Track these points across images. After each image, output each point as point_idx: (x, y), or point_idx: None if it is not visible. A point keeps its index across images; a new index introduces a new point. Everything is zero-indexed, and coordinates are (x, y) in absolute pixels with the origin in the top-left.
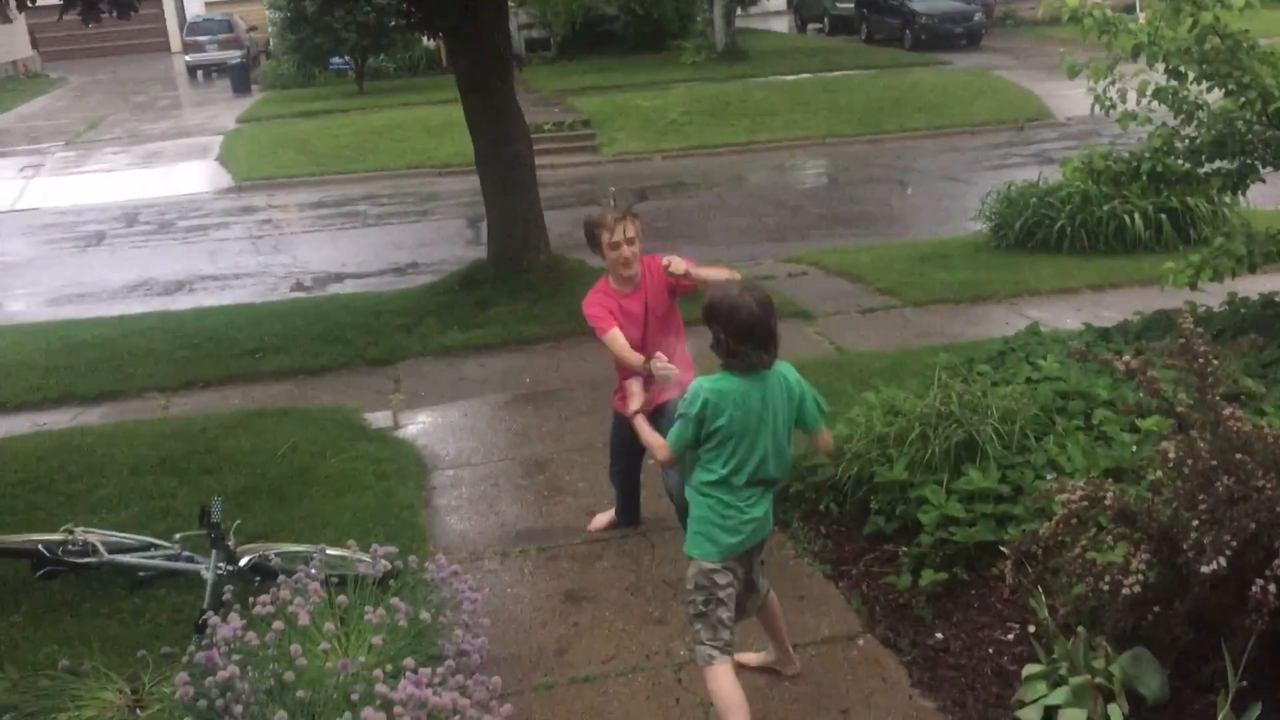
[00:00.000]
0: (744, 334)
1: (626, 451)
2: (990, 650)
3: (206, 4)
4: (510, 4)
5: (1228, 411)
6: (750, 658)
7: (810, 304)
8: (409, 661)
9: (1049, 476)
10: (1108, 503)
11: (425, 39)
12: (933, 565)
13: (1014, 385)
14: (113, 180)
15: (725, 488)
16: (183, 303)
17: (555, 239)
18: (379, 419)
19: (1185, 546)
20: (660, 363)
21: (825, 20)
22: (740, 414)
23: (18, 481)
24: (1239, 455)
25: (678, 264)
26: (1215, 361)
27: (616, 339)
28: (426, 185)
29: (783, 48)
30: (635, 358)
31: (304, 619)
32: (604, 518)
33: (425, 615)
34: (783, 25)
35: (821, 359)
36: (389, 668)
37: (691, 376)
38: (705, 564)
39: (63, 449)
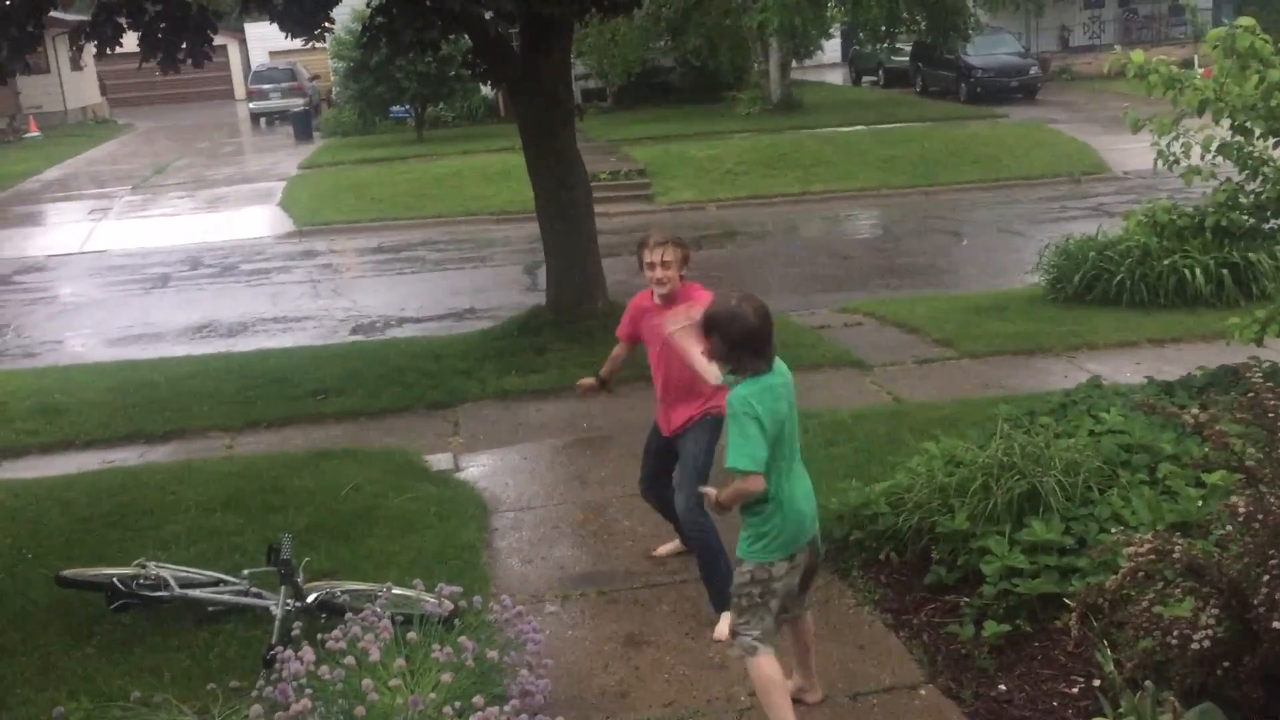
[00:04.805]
0: (740, 341)
1: (656, 481)
2: (1054, 704)
3: (271, 53)
4: None
5: None
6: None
7: (866, 354)
8: (478, 699)
9: (1113, 530)
10: (1175, 556)
11: (484, 88)
12: (995, 616)
13: (1077, 438)
14: (178, 224)
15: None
16: (245, 344)
17: (611, 286)
18: (440, 461)
19: (1256, 602)
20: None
21: (880, 73)
22: (779, 409)
23: (90, 516)
24: None
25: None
26: None
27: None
28: (484, 232)
29: (837, 100)
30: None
31: (375, 655)
32: (667, 546)
33: (492, 654)
34: (837, 78)
35: (879, 409)
36: (457, 705)
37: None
38: (761, 561)
39: (132, 485)
